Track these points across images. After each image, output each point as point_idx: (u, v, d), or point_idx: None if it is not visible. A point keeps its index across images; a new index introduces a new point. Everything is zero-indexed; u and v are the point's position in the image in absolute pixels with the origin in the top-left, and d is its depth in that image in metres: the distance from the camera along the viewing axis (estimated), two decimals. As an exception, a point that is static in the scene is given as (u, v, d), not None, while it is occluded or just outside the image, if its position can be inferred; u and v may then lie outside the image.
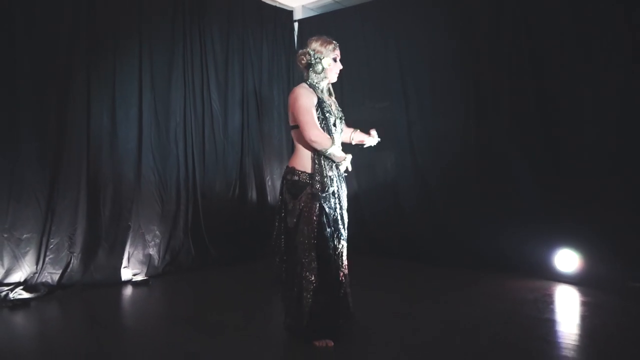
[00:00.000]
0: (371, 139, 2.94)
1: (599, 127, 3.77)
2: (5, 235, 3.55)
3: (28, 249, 3.65)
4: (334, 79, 2.78)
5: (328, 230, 2.59)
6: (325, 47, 2.69)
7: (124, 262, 4.12)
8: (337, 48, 2.74)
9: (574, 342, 2.61)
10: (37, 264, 3.68)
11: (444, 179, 4.59)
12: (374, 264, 4.62)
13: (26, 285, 3.59)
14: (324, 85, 2.74)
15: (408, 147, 4.82)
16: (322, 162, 2.60)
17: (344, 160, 2.61)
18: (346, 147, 2.93)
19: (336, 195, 2.66)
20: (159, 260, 4.37)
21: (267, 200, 5.27)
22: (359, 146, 3.04)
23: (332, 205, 2.63)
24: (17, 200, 3.60)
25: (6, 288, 3.50)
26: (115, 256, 4.08)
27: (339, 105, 2.86)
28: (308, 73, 2.71)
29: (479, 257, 4.23)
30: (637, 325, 2.87)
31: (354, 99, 5.15)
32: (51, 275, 3.74)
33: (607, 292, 3.44)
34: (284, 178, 2.70)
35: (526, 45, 4.09)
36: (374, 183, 5.05)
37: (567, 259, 3.84)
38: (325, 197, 2.59)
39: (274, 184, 5.37)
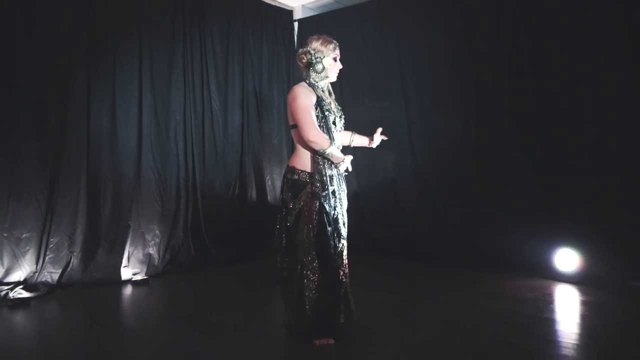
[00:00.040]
0: (375, 140, 2.96)
1: (599, 127, 3.77)
2: (5, 235, 3.56)
3: (28, 248, 3.66)
4: (334, 79, 2.79)
5: (329, 229, 2.59)
6: (326, 46, 2.69)
7: (124, 262, 4.12)
8: (337, 47, 2.74)
9: (574, 342, 2.61)
10: (37, 263, 3.68)
11: (444, 179, 4.59)
12: (374, 263, 4.62)
13: (26, 284, 3.60)
14: (323, 84, 2.74)
15: (408, 147, 4.82)
16: (322, 161, 2.60)
17: (342, 162, 2.61)
18: (347, 148, 2.94)
19: (336, 195, 2.66)
20: (158, 260, 4.37)
21: (267, 199, 5.28)
22: (361, 147, 3.05)
23: (332, 204, 2.63)
24: (17, 199, 3.61)
25: (6, 287, 3.50)
26: (115, 255, 4.08)
27: (339, 105, 2.86)
28: (308, 72, 2.71)
29: (479, 257, 4.22)
30: (637, 325, 2.87)
31: (354, 99, 5.15)
32: (51, 274, 3.74)
33: (607, 292, 3.44)
34: (284, 177, 2.70)
35: (526, 45, 4.09)
36: (374, 183, 5.05)
37: (567, 259, 3.84)
38: (325, 196, 2.59)
39: (273, 183, 5.37)
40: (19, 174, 3.62)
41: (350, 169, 2.67)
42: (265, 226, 5.14)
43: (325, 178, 2.59)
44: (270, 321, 3.02)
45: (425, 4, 4.72)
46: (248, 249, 4.94)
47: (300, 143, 2.65)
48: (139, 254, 4.26)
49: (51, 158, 3.79)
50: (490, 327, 2.85)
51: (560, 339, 2.66)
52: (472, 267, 4.19)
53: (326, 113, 2.64)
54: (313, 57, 2.67)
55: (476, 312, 3.13)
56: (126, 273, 4.11)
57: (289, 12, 5.77)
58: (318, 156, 2.59)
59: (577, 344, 2.58)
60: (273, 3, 5.56)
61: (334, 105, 2.76)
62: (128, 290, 3.93)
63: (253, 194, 5.20)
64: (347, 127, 2.90)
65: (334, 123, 2.69)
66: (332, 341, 2.59)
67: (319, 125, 2.61)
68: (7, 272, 3.56)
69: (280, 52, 5.61)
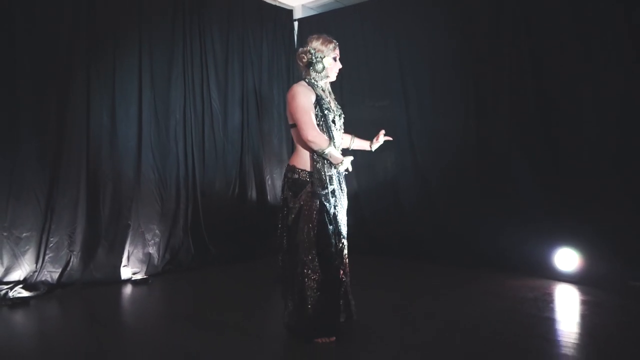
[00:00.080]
0: (375, 144, 2.97)
1: (599, 127, 3.78)
2: (5, 234, 3.56)
3: (28, 247, 3.66)
4: (334, 78, 2.79)
5: (329, 227, 2.59)
6: (327, 46, 2.69)
7: (124, 261, 4.12)
8: (337, 47, 2.75)
9: (573, 341, 2.61)
10: (36, 262, 3.68)
11: (444, 178, 4.60)
12: (374, 262, 4.62)
13: (26, 283, 3.60)
14: (323, 83, 2.75)
15: (408, 147, 4.82)
16: (321, 160, 2.60)
17: (341, 163, 2.61)
18: (347, 150, 2.94)
19: (336, 194, 2.66)
20: (158, 259, 4.37)
21: (266, 198, 5.28)
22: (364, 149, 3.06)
23: (332, 203, 2.63)
24: (17, 198, 3.61)
25: (6, 286, 3.50)
26: (114, 255, 4.08)
27: (338, 104, 2.86)
28: (308, 71, 2.71)
29: (479, 256, 4.23)
30: (637, 325, 2.87)
31: (354, 98, 5.15)
32: (51, 273, 3.74)
33: (607, 291, 3.44)
34: (285, 176, 2.70)
35: (526, 45, 4.09)
36: (374, 182, 5.06)
37: (567, 258, 3.84)
38: (325, 195, 2.59)
39: (273, 182, 5.37)
40: (19, 173, 3.63)
41: (350, 169, 2.68)
42: (265, 225, 5.14)
43: (324, 177, 2.59)
44: (270, 320, 3.02)
45: (425, 4, 4.72)
46: (248, 248, 4.95)
47: (299, 143, 2.65)
48: (138, 253, 4.26)
49: (51, 157, 3.79)
50: (490, 326, 2.85)
51: (560, 338, 2.66)
52: (472, 267, 4.19)
53: (325, 112, 2.64)
54: (313, 57, 2.67)
55: (476, 311, 3.13)
56: (126, 272, 4.11)
57: (289, 12, 5.77)
58: (317, 156, 2.59)
59: (577, 343, 2.58)
60: (273, 2, 5.57)
61: (333, 104, 2.76)
62: (128, 289, 3.93)
63: (253, 193, 5.20)
64: (347, 127, 2.89)
65: (334, 122, 2.69)
66: (333, 339, 2.59)
67: (319, 124, 2.61)
68: (7, 272, 3.56)
69: (280, 51, 5.62)
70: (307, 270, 2.54)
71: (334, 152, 2.60)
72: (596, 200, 3.74)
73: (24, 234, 3.64)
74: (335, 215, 2.65)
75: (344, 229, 2.73)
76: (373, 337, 2.71)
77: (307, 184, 2.59)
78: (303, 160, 2.63)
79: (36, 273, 3.67)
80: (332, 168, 2.64)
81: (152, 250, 4.34)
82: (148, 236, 4.33)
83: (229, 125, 5.05)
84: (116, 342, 2.79)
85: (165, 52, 4.56)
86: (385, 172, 5.03)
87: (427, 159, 4.73)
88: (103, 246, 4.04)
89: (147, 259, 4.30)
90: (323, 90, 2.73)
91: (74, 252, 3.88)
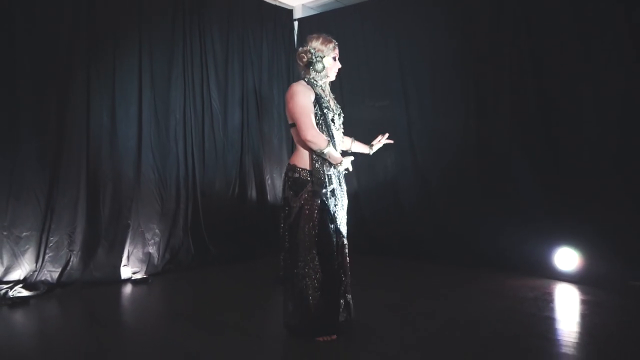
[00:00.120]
0: (374, 147, 2.98)
1: (599, 126, 3.77)
2: (5, 233, 3.56)
3: (27, 246, 3.66)
4: (333, 78, 2.79)
5: (331, 226, 2.59)
6: (326, 45, 2.69)
7: (124, 261, 4.12)
8: (337, 47, 2.75)
9: (573, 340, 2.61)
10: (36, 262, 3.68)
11: (444, 178, 4.59)
12: (374, 262, 4.62)
13: (25, 283, 3.60)
14: (323, 83, 2.74)
15: (408, 146, 4.82)
16: (321, 160, 2.60)
17: (340, 163, 2.61)
18: (347, 151, 2.94)
19: (336, 193, 2.66)
20: (158, 259, 4.37)
21: (266, 198, 5.28)
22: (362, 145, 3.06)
23: (333, 203, 2.63)
24: (17, 198, 3.61)
25: (5, 286, 3.50)
26: (114, 254, 4.08)
27: (338, 104, 2.86)
28: (308, 71, 2.71)
29: (479, 256, 4.23)
30: (637, 324, 2.87)
31: (354, 98, 5.15)
32: (50, 273, 3.74)
33: (607, 291, 3.44)
34: (285, 175, 2.70)
35: (526, 45, 4.09)
36: (374, 182, 5.06)
37: (567, 258, 3.84)
38: (325, 195, 2.59)
39: (273, 182, 5.37)
40: (19, 173, 3.63)
41: (351, 169, 2.68)
42: (265, 225, 5.14)
43: (323, 177, 2.59)
44: (270, 320, 3.02)
45: (426, 4, 4.72)
46: (248, 248, 4.95)
47: (299, 142, 2.66)
48: (138, 252, 4.26)
49: (51, 157, 3.80)
50: (490, 326, 2.85)
51: (560, 338, 2.66)
52: (472, 266, 4.19)
53: (325, 110, 2.64)
54: (313, 57, 2.67)
55: (476, 310, 3.13)
56: (126, 272, 4.11)
57: (289, 11, 5.77)
58: (316, 155, 2.59)
59: (577, 343, 2.58)
60: (273, 2, 5.57)
61: (332, 103, 2.76)
62: (128, 289, 3.92)
63: (253, 193, 5.20)
64: (347, 127, 2.89)
65: (333, 121, 2.69)
66: (334, 337, 2.59)
67: (318, 123, 2.61)
68: (7, 271, 3.56)
69: (280, 51, 5.62)
70: (308, 270, 2.54)
71: (333, 152, 2.60)
72: (596, 199, 3.74)
73: (24, 234, 3.64)
74: (335, 215, 2.65)
75: (344, 229, 2.73)
76: (373, 337, 2.71)
77: (308, 183, 2.59)
78: (304, 159, 2.63)
79: (36, 272, 3.67)
80: (332, 167, 2.64)
81: (152, 250, 4.34)
82: (148, 236, 4.33)
83: (229, 125, 5.05)
84: (116, 341, 2.79)
85: (165, 52, 4.56)
86: (385, 172, 5.03)
87: (427, 158, 4.73)
88: (103, 246, 4.04)
89: (147, 259, 4.30)
90: (322, 90, 2.73)
91: (74, 252, 3.88)
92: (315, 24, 5.44)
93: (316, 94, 2.63)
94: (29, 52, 3.68)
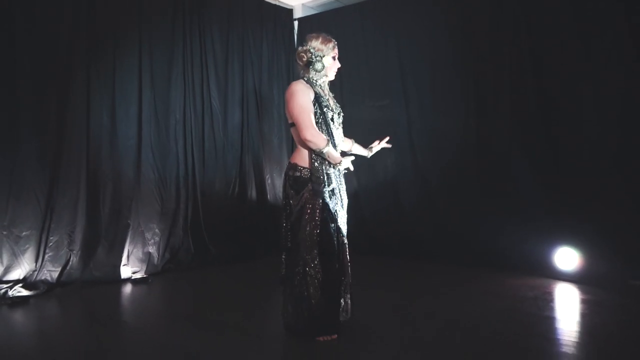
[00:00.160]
0: (373, 150, 2.98)
1: (599, 126, 3.77)
2: (5, 233, 3.56)
3: (27, 246, 3.66)
4: (332, 77, 2.79)
5: (332, 225, 2.59)
6: (326, 45, 2.69)
7: (124, 260, 4.12)
8: (336, 46, 2.75)
9: (574, 340, 2.61)
10: (36, 261, 3.69)
11: (444, 178, 4.59)
12: (374, 262, 4.61)
13: (25, 282, 3.60)
14: (322, 82, 2.74)
15: (408, 146, 4.82)
16: (320, 159, 2.60)
17: (339, 163, 2.60)
18: (346, 152, 2.94)
19: (336, 193, 2.66)
20: (158, 258, 4.37)
21: (266, 198, 5.28)
22: (362, 145, 3.06)
23: (333, 202, 2.63)
24: (17, 198, 3.61)
25: (5, 285, 3.50)
26: (114, 254, 4.08)
27: (337, 103, 2.86)
28: (307, 70, 2.71)
29: (479, 256, 4.23)
30: (637, 323, 2.86)
31: (354, 98, 5.15)
32: (50, 272, 3.75)
33: (607, 290, 3.44)
34: (286, 174, 2.69)
35: (526, 44, 4.09)
36: (374, 182, 5.06)
37: (567, 257, 3.83)
38: (325, 193, 2.59)
39: (273, 182, 5.37)
40: (19, 173, 3.63)
41: (352, 169, 2.68)
42: (265, 225, 5.14)
43: (322, 176, 2.58)
44: (270, 320, 3.02)
45: (426, 3, 4.72)
46: (248, 247, 4.95)
47: (299, 141, 2.65)
48: (138, 252, 4.26)
49: (51, 157, 3.80)
50: (490, 326, 2.84)
51: (560, 337, 2.66)
52: (472, 266, 4.19)
53: (324, 109, 2.64)
54: (313, 56, 2.67)
55: (476, 310, 3.13)
56: (126, 271, 4.11)
57: (289, 11, 5.77)
58: (316, 154, 2.59)
59: (577, 342, 2.58)
60: (273, 2, 5.57)
61: (332, 102, 2.76)
62: (127, 288, 3.92)
63: (253, 192, 5.20)
64: (347, 126, 2.89)
65: (332, 120, 2.69)
66: (335, 336, 2.59)
67: (317, 122, 2.61)
68: (7, 270, 3.56)
69: (280, 51, 5.62)
70: (309, 269, 2.54)
71: (332, 152, 2.60)
72: (596, 199, 3.74)
73: (24, 233, 3.64)
74: (336, 214, 2.65)
75: (344, 228, 2.73)
76: (373, 337, 2.71)
77: (309, 182, 2.59)
78: (304, 158, 2.62)
79: (36, 272, 3.67)
80: (331, 167, 2.64)
81: (152, 249, 4.34)
82: (148, 235, 4.34)
83: (229, 125, 5.05)
84: (116, 341, 2.79)
85: (165, 52, 4.56)
86: (385, 171, 5.02)
87: (427, 158, 4.73)
88: (103, 245, 4.04)
89: (147, 258, 4.30)
90: (322, 89, 2.73)
91: (74, 251, 3.88)
92: (315, 24, 5.43)
93: (315, 93, 2.63)
94: (29, 52, 3.68)
